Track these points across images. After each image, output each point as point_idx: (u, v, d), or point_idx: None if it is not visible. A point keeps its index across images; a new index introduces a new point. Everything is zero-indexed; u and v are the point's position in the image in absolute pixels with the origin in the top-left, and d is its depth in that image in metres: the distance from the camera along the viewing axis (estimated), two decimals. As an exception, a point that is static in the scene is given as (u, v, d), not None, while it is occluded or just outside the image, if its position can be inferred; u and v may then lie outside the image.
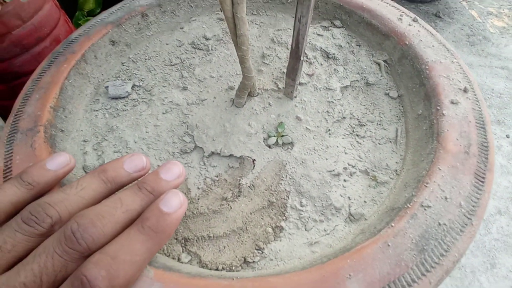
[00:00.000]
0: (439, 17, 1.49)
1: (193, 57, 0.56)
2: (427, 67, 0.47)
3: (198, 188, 0.41)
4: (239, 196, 0.41)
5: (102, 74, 0.53)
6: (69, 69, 0.47)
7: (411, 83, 0.49)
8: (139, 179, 0.28)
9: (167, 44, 0.59)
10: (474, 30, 1.44)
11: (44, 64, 0.48)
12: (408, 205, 0.32)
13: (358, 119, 0.48)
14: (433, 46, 0.49)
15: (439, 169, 0.35)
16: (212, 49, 0.57)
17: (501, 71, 1.26)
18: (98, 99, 0.50)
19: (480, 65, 1.29)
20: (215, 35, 0.59)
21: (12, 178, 0.28)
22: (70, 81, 0.47)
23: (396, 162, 0.43)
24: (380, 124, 0.48)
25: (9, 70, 0.69)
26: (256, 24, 0.61)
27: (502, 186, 0.99)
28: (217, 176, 0.43)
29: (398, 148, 0.44)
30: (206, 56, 0.56)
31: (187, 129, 0.46)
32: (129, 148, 0.44)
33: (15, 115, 0.42)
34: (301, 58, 0.43)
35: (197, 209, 0.39)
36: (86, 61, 0.50)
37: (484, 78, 1.24)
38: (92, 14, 1.16)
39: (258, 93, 0.49)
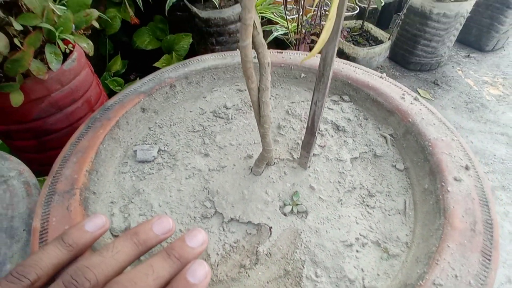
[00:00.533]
0: (437, 84, 1.59)
1: (214, 124, 0.61)
2: (430, 144, 0.51)
3: (217, 254, 0.43)
4: (257, 263, 0.42)
5: (131, 138, 0.58)
6: (104, 135, 0.52)
7: (416, 157, 0.53)
8: (167, 245, 0.31)
9: (190, 111, 0.64)
10: (472, 97, 1.53)
11: (82, 128, 0.54)
12: (420, 282, 0.34)
13: (367, 190, 0.51)
14: (434, 124, 0.54)
15: (448, 246, 0.37)
16: (231, 118, 0.62)
17: (501, 137, 1.31)
18: (127, 162, 0.55)
19: (481, 131, 1.34)
20: (234, 105, 0.65)
21: (54, 239, 0.31)
22: (104, 146, 0.52)
23: (406, 235, 0.45)
24: (389, 195, 0.51)
25: (43, 127, 0.75)
26: (272, 95, 0.67)
27: (512, 254, 0.98)
28: (235, 242, 0.45)
29: (407, 220, 0.47)
30: (226, 124, 0.61)
31: (208, 194, 0.50)
32: (154, 211, 0.47)
33: (53, 177, 0.46)
34: (316, 135, 0.47)
35: (216, 276, 0.41)
36: (119, 127, 0.55)
37: (486, 144, 1.28)
38: (117, 74, 1.26)
39: (274, 162, 0.53)
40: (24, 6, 0.62)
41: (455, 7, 1.37)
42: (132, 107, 0.58)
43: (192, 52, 1.29)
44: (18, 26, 0.57)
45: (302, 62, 0.59)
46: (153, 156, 0.55)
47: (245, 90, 0.69)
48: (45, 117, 0.74)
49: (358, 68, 0.66)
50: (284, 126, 0.60)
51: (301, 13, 1.01)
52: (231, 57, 0.70)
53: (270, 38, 1.21)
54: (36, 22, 0.60)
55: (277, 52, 0.71)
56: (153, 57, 1.30)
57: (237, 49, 0.87)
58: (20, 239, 0.47)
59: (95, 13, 0.71)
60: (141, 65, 1.36)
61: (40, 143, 0.79)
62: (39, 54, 0.68)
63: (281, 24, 1.22)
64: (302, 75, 0.68)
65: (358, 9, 1.66)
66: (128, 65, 1.32)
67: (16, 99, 0.62)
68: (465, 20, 1.47)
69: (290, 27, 1.20)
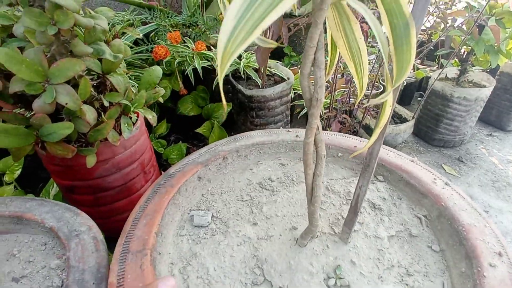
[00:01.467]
0: (462, 161, 1.63)
1: (261, 195, 0.68)
2: (464, 229, 0.55)
3: (268, 322, 0.47)
4: (305, 334, 0.45)
5: (188, 204, 0.65)
6: (168, 200, 0.60)
7: (451, 240, 0.57)
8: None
9: (239, 181, 0.72)
10: (498, 176, 1.55)
11: (149, 193, 0.62)
12: None
13: (405, 269, 0.55)
14: (466, 209, 0.59)
15: (490, 333, 0.40)
16: (276, 190, 0.69)
17: (532, 219, 1.30)
18: (184, 226, 0.61)
19: (510, 211, 1.34)
20: (278, 178, 0.73)
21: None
22: (167, 210, 0.59)
23: (446, 318, 0.47)
24: (426, 276, 0.54)
25: (102, 185, 0.84)
26: (311, 171, 0.75)
27: None
28: (284, 311, 0.48)
29: (446, 303, 0.49)
30: (271, 196, 0.68)
31: (258, 262, 0.54)
32: (210, 275, 0.52)
33: (126, 236, 0.53)
34: (358, 214, 0.53)
35: None
36: (180, 193, 0.63)
37: (516, 225, 1.27)
38: (161, 136, 1.39)
39: (317, 235, 0.58)
40: (110, 86, 0.75)
41: (474, 92, 1.47)
42: (191, 176, 0.67)
43: (229, 119, 1.42)
44: (106, 103, 0.69)
45: (352, 156, 0.66)
46: (208, 221, 0.61)
47: (287, 164, 0.77)
48: (105, 176, 0.83)
49: (391, 151, 0.73)
50: (324, 202, 0.66)
51: (333, 94, 1.13)
52: (276, 135, 0.79)
53: (301, 113, 1.33)
54: (119, 99, 0.72)
55: (316, 132, 0.80)
56: (192, 121, 1.43)
57: (280, 127, 0.97)
58: (88, 291, 0.52)
59: (162, 91, 0.85)
60: (181, 127, 1.50)
61: (95, 199, 0.87)
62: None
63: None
64: (339, 154, 0.76)
65: (382, 87, 1.79)
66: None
67: (91, 161, 0.72)
68: (485, 102, 1.56)
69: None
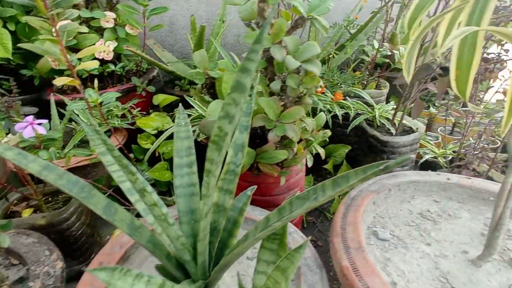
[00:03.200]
0: None
1: (424, 223, 0.84)
2: None
3: (465, 316, 0.61)
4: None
5: (365, 222, 0.84)
6: (360, 215, 0.79)
7: None
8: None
9: (401, 210, 0.89)
10: None
11: (343, 209, 0.82)
12: None
13: None
14: None
15: None
16: (437, 221, 0.85)
17: None
18: (370, 237, 0.79)
19: None
20: (435, 211, 0.88)
21: None
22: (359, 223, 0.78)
23: None
24: None
25: (274, 201, 1.08)
26: (465, 210, 0.89)
27: None
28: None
29: None
30: (434, 225, 0.83)
31: (441, 273, 0.70)
32: (406, 275, 0.69)
33: (342, 236, 0.72)
34: (533, 245, 0.66)
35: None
36: (364, 211, 0.82)
37: None
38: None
39: (489, 260, 0.72)
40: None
41: None
42: (369, 200, 0.86)
43: (348, 159, 1.61)
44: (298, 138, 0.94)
45: None
46: (389, 236, 0.78)
47: (440, 201, 0.92)
48: (279, 195, 1.07)
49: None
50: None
51: (463, 143, 1.26)
52: (428, 176, 0.95)
53: (421, 160, 1.47)
54: (308, 136, 0.96)
55: (465, 177, 0.94)
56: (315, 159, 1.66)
57: (429, 170, 1.13)
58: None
59: (329, 132, 1.08)
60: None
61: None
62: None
63: (429, 147, 1.49)
64: (491, 198, 0.89)
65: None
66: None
67: (283, 180, 0.96)
68: None
69: (437, 152, 1.46)
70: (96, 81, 1.13)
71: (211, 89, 0.92)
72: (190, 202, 0.71)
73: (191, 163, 0.72)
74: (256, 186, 0.75)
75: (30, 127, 0.88)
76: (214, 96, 0.93)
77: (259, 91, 0.91)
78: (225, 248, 0.69)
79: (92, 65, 0.87)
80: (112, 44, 1.55)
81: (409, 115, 1.32)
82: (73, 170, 1.18)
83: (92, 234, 1.15)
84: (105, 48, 1.50)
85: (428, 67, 0.87)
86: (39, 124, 0.87)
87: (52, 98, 1.34)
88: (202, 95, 0.90)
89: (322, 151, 1.03)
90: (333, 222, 0.78)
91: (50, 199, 1.11)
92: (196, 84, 1.80)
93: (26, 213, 1.04)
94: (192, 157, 0.72)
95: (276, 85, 0.81)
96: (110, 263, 0.70)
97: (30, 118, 0.89)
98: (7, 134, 1.04)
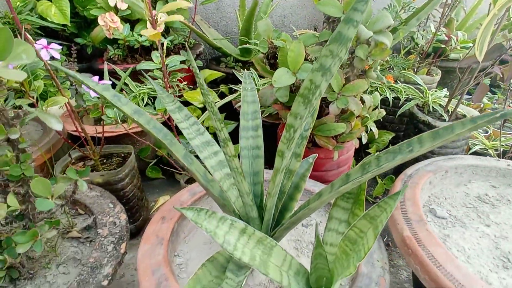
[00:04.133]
0: None
1: (482, 206, 0.83)
2: None
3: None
4: None
5: (422, 199, 0.84)
6: (419, 191, 0.79)
7: None
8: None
9: (457, 192, 0.88)
10: None
11: (399, 186, 0.82)
12: None
13: None
14: None
15: None
16: (495, 205, 0.83)
17: None
18: (427, 215, 0.79)
19: None
20: (493, 196, 0.86)
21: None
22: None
23: None
24: None
25: (323, 177, 1.09)
26: (525, 197, 0.86)
27: None
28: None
29: None
30: (492, 208, 0.82)
31: (502, 253, 0.69)
32: (466, 252, 0.69)
33: (401, 209, 0.73)
34: None
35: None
36: (421, 189, 0.82)
37: None
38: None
39: (554, 245, 0.70)
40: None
41: None
42: (426, 179, 0.85)
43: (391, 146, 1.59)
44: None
45: None
46: (447, 215, 0.78)
47: (498, 187, 0.90)
48: (329, 170, 1.08)
49: None
50: (550, 222, 0.77)
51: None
52: (487, 161, 0.93)
53: (470, 151, 1.43)
54: (365, 112, 0.97)
55: (528, 165, 0.91)
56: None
57: (487, 156, 1.10)
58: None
59: (383, 112, 1.07)
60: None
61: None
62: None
63: (479, 139, 1.44)
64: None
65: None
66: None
67: (336, 155, 0.97)
68: None
69: (488, 144, 1.41)
70: (164, 45, 1.16)
71: (272, 59, 0.93)
72: (254, 164, 0.73)
73: (257, 127, 0.74)
74: (317, 154, 0.77)
75: (98, 87, 0.93)
76: (273, 66, 0.95)
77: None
78: (285, 211, 0.72)
79: (176, 19, 0.89)
80: (164, 16, 1.59)
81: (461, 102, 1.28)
82: (122, 136, 1.25)
83: (141, 197, 1.21)
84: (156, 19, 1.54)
85: (500, 47, 0.84)
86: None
87: (106, 66, 1.41)
88: (264, 64, 0.91)
89: (375, 130, 1.02)
90: (391, 196, 0.78)
91: (104, 160, 1.18)
92: (241, 62, 1.82)
93: (85, 170, 1.12)
94: (258, 121, 0.75)
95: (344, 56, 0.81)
96: (172, 219, 0.75)
97: (95, 79, 0.94)
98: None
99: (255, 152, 0.73)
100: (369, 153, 1.53)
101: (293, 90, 0.88)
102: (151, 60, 1.63)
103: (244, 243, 0.47)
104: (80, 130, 1.01)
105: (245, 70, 1.67)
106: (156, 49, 1.74)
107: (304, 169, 0.73)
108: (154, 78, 1.14)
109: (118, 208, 0.81)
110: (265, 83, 1.33)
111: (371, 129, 1.06)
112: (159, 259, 0.62)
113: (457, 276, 0.57)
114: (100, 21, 1.40)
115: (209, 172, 0.66)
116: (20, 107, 0.62)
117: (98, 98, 0.95)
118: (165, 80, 0.90)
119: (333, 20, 0.83)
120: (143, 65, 0.88)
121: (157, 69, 0.92)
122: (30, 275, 0.64)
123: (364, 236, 0.45)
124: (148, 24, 0.86)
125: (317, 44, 0.90)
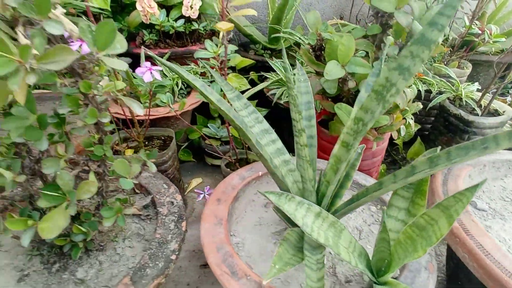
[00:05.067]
0: None
1: (521, 200, 0.86)
2: None
3: None
4: None
5: (461, 192, 0.87)
6: (461, 184, 0.82)
7: None
8: None
9: (494, 186, 0.91)
10: None
11: (441, 177, 0.85)
12: None
13: None
14: None
15: None
16: (533, 199, 0.86)
17: None
18: (468, 207, 0.82)
19: None
20: (530, 191, 0.89)
21: None
22: (460, 191, 0.81)
23: None
24: None
25: (359, 168, 1.13)
26: (562, 193, 0.89)
27: None
28: None
29: None
30: (531, 202, 0.85)
31: (542, 245, 0.72)
32: (506, 242, 0.72)
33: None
34: None
35: None
36: (463, 183, 0.85)
37: None
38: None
39: None
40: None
41: None
42: (466, 172, 0.88)
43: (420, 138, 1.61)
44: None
45: None
46: (487, 207, 0.81)
47: (534, 182, 0.92)
48: (363, 160, 1.11)
49: None
50: None
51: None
52: (524, 157, 0.96)
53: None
54: (402, 106, 0.99)
55: None
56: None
57: None
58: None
59: (420, 105, 1.10)
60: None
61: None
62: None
63: None
64: None
65: None
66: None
67: (375, 146, 1.00)
68: None
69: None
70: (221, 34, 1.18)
71: (318, 50, 0.95)
72: (310, 152, 0.77)
73: (311, 117, 0.77)
74: (364, 145, 0.80)
75: (149, 72, 0.96)
76: (318, 58, 0.97)
77: (365, 56, 0.94)
78: (336, 197, 0.75)
79: (248, 13, 0.91)
80: (198, 3, 1.61)
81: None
82: (160, 119, 1.29)
83: (179, 179, 1.26)
84: (192, 5, 1.56)
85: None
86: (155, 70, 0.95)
87: (143, 51, 1.43)
88: (310, 55, 0.94)
89: (413, 123, 1.05)
90: (432, 188, 0.82)
91: (147, 143, 1.23)
92: (270, 49, 1.83)
93: (128, 152, 1.16)
94: (311, 111, 0.78)
95: (394, 51, 0.83)
96: (227, 201, 0.79)
97: (148, 64, 0.97)
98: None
99: (309, 141, 0.76)
100: (395, 144, 1.56)
101: (339, 82, 0.91)
102: (184, 45, 1.66)
103: (318, 226, 0.51)
104: (128, 113, 1.05)
105: (274, 58, 1.69)
106: (189, 34, 1.76)
107: (353, 159, 0.77)
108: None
109: (172, 189, 0.85)
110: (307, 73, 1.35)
111: (408, 122, 1.09)
112: (222, 237, 0.67)
113: (505, 263, 0.61)
114: (138, 6, 1.42)
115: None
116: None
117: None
118: (220, 68, 0.92)
119: (382, 14, 0.85)
120: (200, 53, 0.91)
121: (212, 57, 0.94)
122: (101, 247, 0.69)
123: (435, 224, 0.48)
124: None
125: (363, 37, 0.92)
